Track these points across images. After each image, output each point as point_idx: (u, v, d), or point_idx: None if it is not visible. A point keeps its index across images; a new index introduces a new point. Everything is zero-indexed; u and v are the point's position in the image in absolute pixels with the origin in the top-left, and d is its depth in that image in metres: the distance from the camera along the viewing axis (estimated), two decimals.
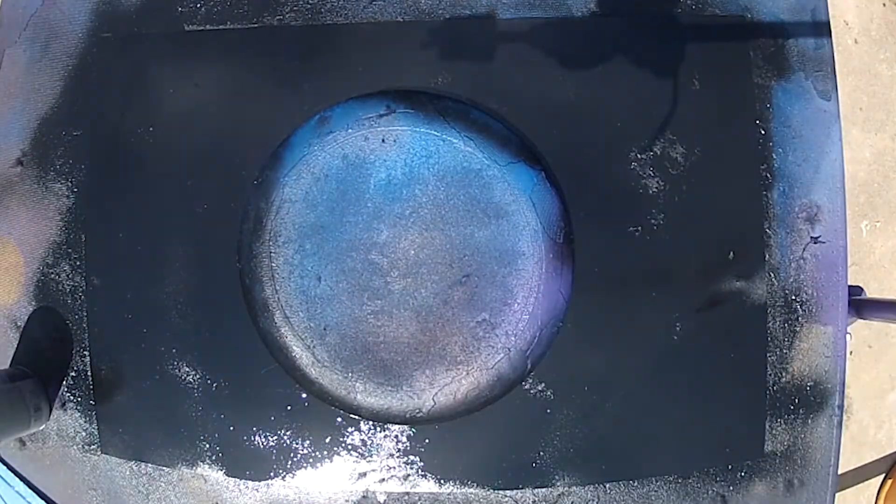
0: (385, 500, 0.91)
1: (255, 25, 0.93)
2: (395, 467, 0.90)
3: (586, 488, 0.90)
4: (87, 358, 0.93)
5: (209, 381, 0.91)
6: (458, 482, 0.90)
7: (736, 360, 0.89)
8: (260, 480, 0.91)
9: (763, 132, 0.91)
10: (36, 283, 0.95)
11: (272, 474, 0.91)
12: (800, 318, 0.90)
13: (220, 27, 0.94)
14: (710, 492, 0.90)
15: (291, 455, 0.91)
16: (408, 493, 0.90)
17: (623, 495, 0.90)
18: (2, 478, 0.96)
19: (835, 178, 0.91)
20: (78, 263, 0.94)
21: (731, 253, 0.90)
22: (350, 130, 0.92)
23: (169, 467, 0.92)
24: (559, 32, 0.92)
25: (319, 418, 0.91)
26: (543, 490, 0.90)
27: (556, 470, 0.89)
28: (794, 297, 0.90)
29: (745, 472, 0.90)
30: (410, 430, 0.90)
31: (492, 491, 0.90)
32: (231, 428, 0.91)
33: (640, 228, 0.90)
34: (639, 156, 0.90)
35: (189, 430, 0.92)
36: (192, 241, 0.92)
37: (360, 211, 0.92)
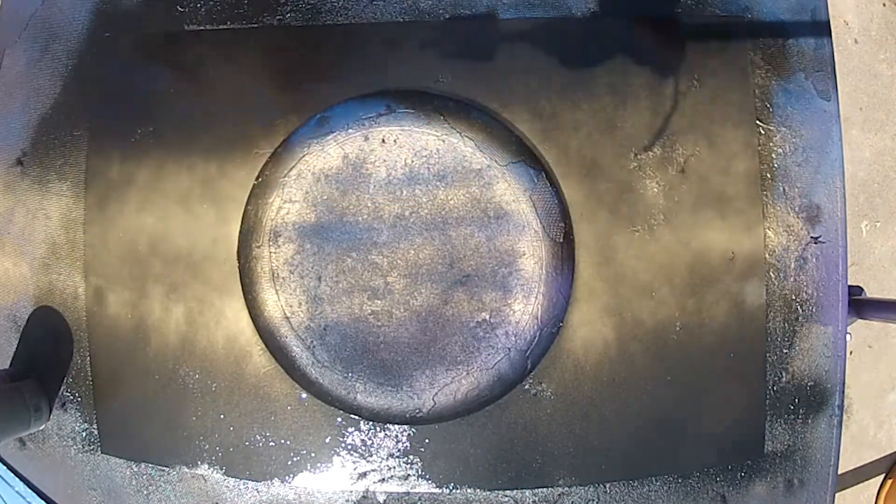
0: (385, 500, 0.91)
1: (255, 25, 0.93)
2: (395, 467, 0.90)
3: (586, 488, 0.90)
4: (87, 358, 0.93)
5: (209, 382, 0.91)
6: (458, 482, 0.90)
7: (736, 360, 0.89)
8: (260, 480, 0.91)
9: (763, 132, 0.91)
10: (36, 284, 0.95)
11: (272, 474, 0.91)
12: (800, 318, 0.90)
13: (221, 27, 0.94)
14: (710, 492, 0.90)
15: (291, 455, 0.91)
16: (408, 493, 0.90)
17: (623, 495, 0.90)
18: (2, 478, 0.96)
19: (835, 178, 0.91)
20: (78, 264, 0.94)
21: (731, 253, 0.90)
22: (350, 130, 0.92)
23: (169, 467, 0.92)
24: (559, 32, 0.92)
25: (319, 418, 0.91)
26: (543, 490, 0.90)
27: (556, 470, 0.89)
28: (794, 297, 0.90)
29: (745, 472, 0.90)
30: (410, 430, 0.90)
31: (492, 491, 0.90)
32: (231, 428, 0.91)
33: (639, 228, 0.90)
34: (639, 156, 0.90)
35: (189, 430, 0.91)
36: (192, 241, 0.92)
37: (360, 211, 0.91)
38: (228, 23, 0.94)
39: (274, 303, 0.92)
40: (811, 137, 0.91)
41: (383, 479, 0.90)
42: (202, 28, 0.94)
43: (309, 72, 0.92)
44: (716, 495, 0.90)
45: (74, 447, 0.94)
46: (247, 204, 0.92)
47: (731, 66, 0.91)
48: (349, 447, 0.90)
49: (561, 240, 0.91)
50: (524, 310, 0.91)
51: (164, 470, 0.92)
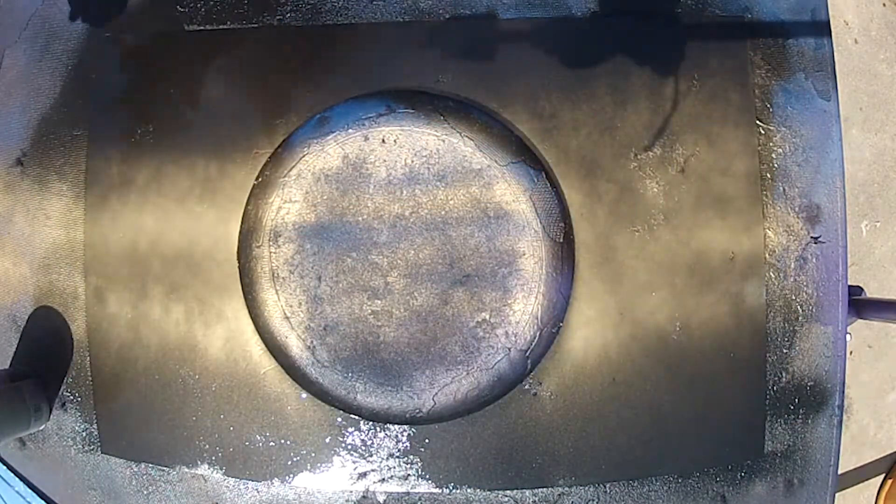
0: (385, 500, 0.91)
1: (255, 25, 0.93)
2: (395, 467, 0.90)
3: (586, 488, 0.90)
4: (87, 358, 0.93)
5: (209, 382, 0.91)
6: (458, 482, 0.90)
7: (736, 359, 0.89)
8: (260, 480, 0.91)
9: (763, 132, 0.91)
10: (36, 284, 0.95)
11: (272, 474, 0.91)
12: (800, 318, 0.90)
13: (220, 27, 0.94)
14: (710, 492, 0.90)
15: (291, 455, 0.91)
16: (408, 493, 0.90)
17: (623, 495, 0.90)
18: (2, 478, 0.96)
19: (835, 178, 0.91)
20: (78, 264, 0.94)
21: (731, 253, 0.90)
22: (350, 130, 0.92)
23: (169, 467, 0.92)
24: (559, 32, 0.92)
25: (319, 418, 0.91)
26: (543, 490, 0.90)
27: (556, 470, 0.89)
28: (794, 297, 0.90)
29: (745, 472, 0.90)
30: (410, 430, 0.90)
31: (492, 491, 0.90)
32: (231, 428, 0.91)
33: (639, 228, 0.90)
34: (639, 156, 0.90)
35: (189, 430, 0.91)
36: (192, 241, 0.92)
37: (360, 211, 0.92)
38: (228, 23, 0.94)
39: (274, 303, 0.92)
40: (811, 137, 0.91)
41: (383, 479, 0.90)
42: (202, 28, 0.94)
43: (309, 72, 0.92)
44: (716, 495, 0.90)
45: (74, 447, 0.94)
46: (247, 204, 0.92)
47: (731, 66, 0.91)
48: (349, 447, 0.90)
49: (561, 240, 0.91)
50: (524, 310, 0.91)
51: (164, 470, 0.92)
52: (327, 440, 0.90)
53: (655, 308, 0.89)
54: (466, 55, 0.92)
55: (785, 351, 0.90)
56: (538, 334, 0.91)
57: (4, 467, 0.96)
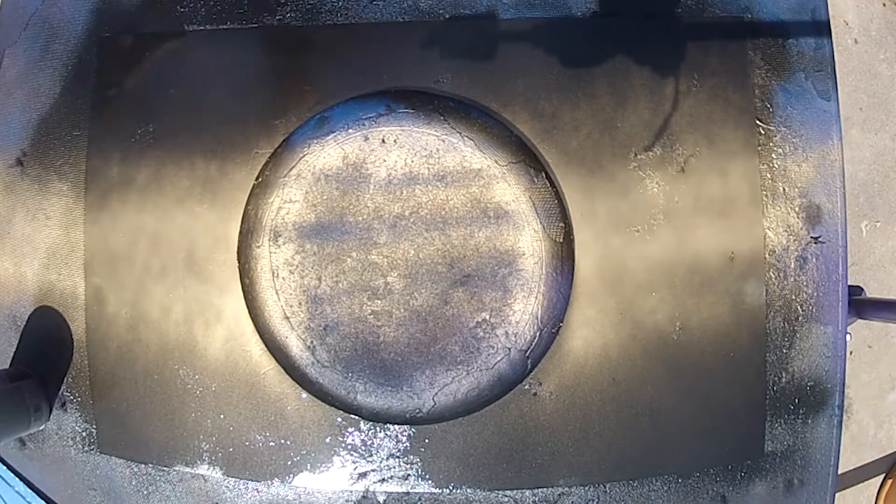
0: (385, 500, 0.91)
1: (255, 25, 0.93)
2: (395, 467, 0.90)
3: (586, 488, 0.90)
4: (87, 358, 0.93)
5: (209, 382, 0.91)
6: (458, 482, 0.90)
7: (736, 360, 0.89)
8: (260, 480, 0.91)
9: (763, 132, 0.91)
10: (36, 284, 0.95)
11: (272, 474, 0.91)
12: (800, 318, 0.90)
13: (220, 27, 0.94)
14: (710, 492, 0.90)
15: (291, 455, 0.91)
16: (408, 494, 0.90)
17: (623, 495, 0.90)
18: (2, 478, 0.96)
19: (835, 178, 0.91)
20: (78, 264, 0.94)
21: (731, 253, 0.90)
22: (350, 130, 0.92)
23: (169, 467, 0.92)
24: (559, 32, 0.92)
25: (319, 418, 0.91)
26: (543, 490, 0.90)
27: (556, 470, 0.89)
28: (794, 297, 0.90)
29: (745, 472, 0.90)
30: (410, 430, 0.90)
31: (492, 491, 0.90)
32: (231, 428, 0.91)
33: (639, 228, 0.90)
34: (639, 156, 0.90)
35: (189, 430, 0.92)
36: (192, 241, 0.92)
37: (360, 211, 0.92)
38: (228, 23, 0.94)
39: (274, 303, 0.92)
40: (811, 137, 0.91)
41: (383, 479, 0.90)
42: (202, 28, 0.94)
43: (309, 72, 0.92)
44: (716, 495, 0.90)
45: (74, 447, 0.94)
46: (247, 204, 0.92)
47: (731, 66, 0.91)
48: (349, 447, 0.90)
49: (561, 240, 0.91)
50: (524, 310, 0.91)
51: (163, 470, 0.92)
52: (327, 440, 0.91)
53: (655, 308, 0.89)
54: (466, 55, 0.92)
55: (785, 351, 0.90)
56: (538, 334, 0.91)
57: (4, 467, 0.96)
